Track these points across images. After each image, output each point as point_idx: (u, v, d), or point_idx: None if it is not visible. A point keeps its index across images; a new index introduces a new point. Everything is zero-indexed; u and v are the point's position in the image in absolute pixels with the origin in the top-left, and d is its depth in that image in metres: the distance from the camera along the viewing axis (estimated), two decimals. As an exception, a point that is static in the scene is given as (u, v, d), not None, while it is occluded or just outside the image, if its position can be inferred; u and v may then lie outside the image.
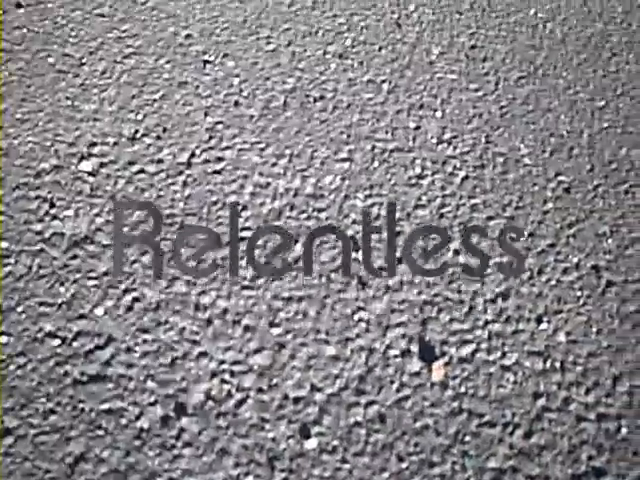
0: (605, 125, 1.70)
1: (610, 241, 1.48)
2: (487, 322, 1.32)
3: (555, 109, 1.71)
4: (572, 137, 1.66)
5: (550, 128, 1.67)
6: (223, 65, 1.68)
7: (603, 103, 1.74)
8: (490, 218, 1.48)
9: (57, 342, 1.21)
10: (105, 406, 1.14)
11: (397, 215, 1.46)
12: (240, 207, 1.43)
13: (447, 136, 1.60)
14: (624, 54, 1.88)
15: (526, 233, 1.46)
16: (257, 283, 1.32)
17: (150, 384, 1.17)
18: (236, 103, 1.60)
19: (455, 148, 1.59)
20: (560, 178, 1.57)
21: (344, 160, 1.53)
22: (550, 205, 1.52)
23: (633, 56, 1.87)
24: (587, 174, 1.59)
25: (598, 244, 1.47)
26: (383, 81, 1.69)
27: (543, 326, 1.33)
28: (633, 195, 1.58)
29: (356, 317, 1.29)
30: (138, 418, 1.13)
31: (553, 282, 1.40)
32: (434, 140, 1.59)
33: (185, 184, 1.46)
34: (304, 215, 1.43)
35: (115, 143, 1.52)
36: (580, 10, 1.98)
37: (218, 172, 1.48)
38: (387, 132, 1.59)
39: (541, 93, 1.74)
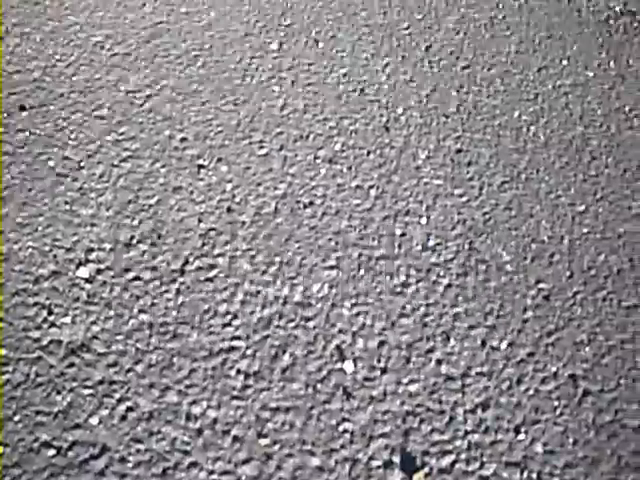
0: (585, 230, 1.82)
1: (587, 349, 1.59)
2: (467, 432, 1.42)
3: (537, 214, 1.83)
4: (553, 243, 1.78)
5: (531, 234, 1.79)
6: (217, 170, 1.81)
7: (583, 208, 1.87)
8: (471, 327, 1.59)
9: (52, 452, 1.31)
10: (99, 520, 1.23)
11: (382, 324, 1.57)
12: (230, 316, 1.53)
13: (431, 243, 1.72)
14: (603, 158, 2.01)
15: (506, 342, 1.57)
16: (246, 393, 1.42)
17: (142, 498, 1.27)
18: (229, 209, 1.72)
19: (439, 255, 1.70)
20: (540, 285, 1.69)
21: (332, 268, 1.64)
22: (530, 313, 1.63)
23: (612, 159, 2.01)
24: (566, 281, 1.71)
25: (576, 352, 1.58)
26: (371, 187, 1.82)
27: (521, 436, 1.43)
28: (610, 302, 1.69)
29: (341, 428, 1.39)
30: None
31: (531, 392, 1.50)
32: (419, 247, 1.71)
33: (178, 292, 1.56)
34: (292, 324, 1.54)
35: (111, 249, 1.63)
36: (562, 113, 2.12)
37: (210, 280, 1.59)
38: (374, 239, 1.71)
39: (524, 198, 1.86)
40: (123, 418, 1.36)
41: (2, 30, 2.14)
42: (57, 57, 2.08)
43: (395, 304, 1.60)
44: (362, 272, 1.65)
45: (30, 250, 1.61)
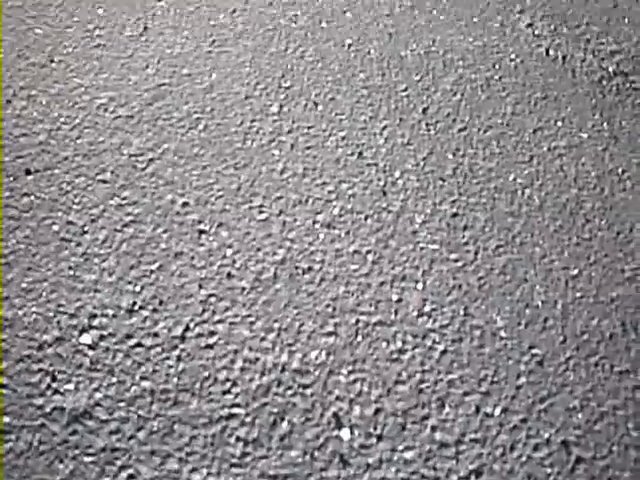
0: (578, 295, 1.88)
1: (580, 415, 1.65)
2: (461, 501, 1.47)
3: (531, 279, 1.90)
4: (546, 308, 1.84)
5: (525, 299, 1.85)
6: (217, 235, 1.88)
7: (576, 272, 1.93)
8: (466, 393, 1.64)
9: (56, 521, 1.36)
10: None
11: (378, 391, 1.62)
12: (230, 383, 1.59)
13: (427, 309, 1.78)
14: (597, 220, 2.08)
15: (499, 408, 1.63)
16: (245, 461, 1.47)
17: None
18: (229, 275, 1.79)
19: (435, 321, 1.76)
20: (534, 351, 1.75)
21: (329, 334, 1.70)
22: (523, 379, 1.69)
23: (605, 222, 2.07)
24: (560, 346, 1.77)
25: (568, 419, 1.64)
26: (368, 252, 1.88)
27: (514, 505, 1.48)
28: (603, 367, 1.75)
29: (337, 497, 1.44)
30: None
31: (524, 458, 1.55)
32: (415, 313, 1.77)
33: (179, 359, 1.62)
34: (290, 391, 1.60)
35: (114, 315, 1.69)
36: (557, 175, 2.20)
37: (210, 346, 1.65)
38: (371, 305, 1.77)
39: (518, 262, 1.93)
40: (124, 486, 1.42)
41: (9, 93, 2.22)
42: (62, 120, 2.16)
43: (391, 371, 1.66)
44: (359, 338, 1.71)
45: (34, 316, 1.67)
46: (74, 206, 1.91)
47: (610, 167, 2.26)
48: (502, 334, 1.76)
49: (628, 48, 2.77)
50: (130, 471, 1.44)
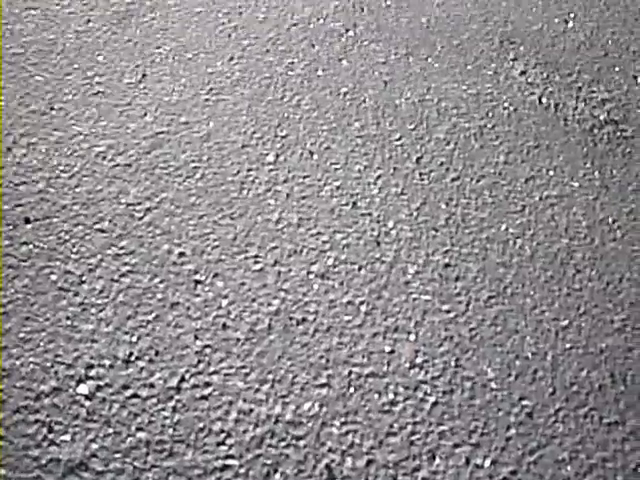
0: (568, 346, 1.93)
1: (569, 468, 1.69)
2: None
3: (521, 330, 1.95)
4: (536, 359, 1.89)
5: (516, 350, 1.90)
6: (213, 285, 1.93)
7: (566, 322, 1.98)
8: (456, 445, 1.69)
9: None
10: None
11: (370, 443, 1.67)
12: (224, 434, 1.64)
13: (419, 360, 1.83)
14: (587, 270, 2.13)
15: (489, 460, 1.67)
16: (238, 513, 1.52)
17: None
18: (224, 326, 1.84)
19: (426, 372, 1.81)
20: (524, 402, 1.79)
21: (322, 386, 1.75)
22: (513, 431, 1.74)
23: (595, 272, 2.13)
24: (549, 397, 1.82)
25: (557, 471, 1.68)
26: (361, 302, 1.94)
27: None
28: (592, 419, 1.79)
29: None
30: None
31: (514, 512, 1.60)
32: (407, 364, 1.82)
33: (174, 409, 1.67)
34: (284, 443, 1.64)
35: (111, 366, 1.74)
36: (548, 225, 2.26)
37: (205, 398, 1.70)
38: (363, 356, 1.82)
39: (509, 313, 1.98)
40: (119, 538, 1.45)
41: (10, 141, 2.28)
42: (61, 168, 2.22)
43: (383, 422, 1.70)
44: (352, 390, 1.75)
45: (32, 366, 1.72)
46: (72, 255, 1.97)
47: (601, 216, 2.32)
48: (492, 385, 1.81)
49: (618, 96, 2.85)
50: (125, 523, 1.48)
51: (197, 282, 1.93)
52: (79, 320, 1.82)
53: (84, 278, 1.91)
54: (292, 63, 2.76)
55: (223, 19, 2.93)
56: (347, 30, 2.96)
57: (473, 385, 1.81)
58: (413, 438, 1.68)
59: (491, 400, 1.78)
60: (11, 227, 2.02)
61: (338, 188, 2.26)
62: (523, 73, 2.90)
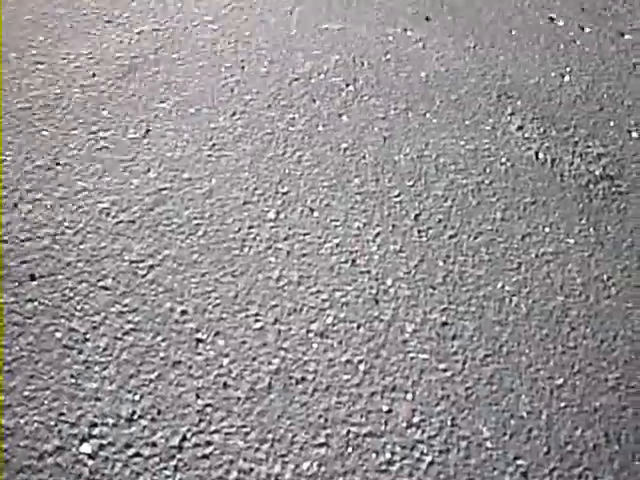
0: (562, 405, 1.99)
1: (563, 528, 1.74)
2: None
3: (517, 389, 2.01)
4: (531, 418, 1.94)
5: (511, 409, 1.96)
6: (214, 344, 1.99)
7: (561, 381, 2.04)
8: (452, 506, 1.74)
9: None
10: None
11: (367, 503, 1.72)
12: (225, 494, 1.69)
13: (416, 419, 1.89)
14: (582, 328, 2.20)
15: (485, 521, 1.72)
16: None
17: None
18: (225, 385, 1.90)
19: (423, 432, 1.87)
20: (518, 462, 1.85)
21: (321, 445, 1.81)
22: (508, 491, 1.79)
23: (590, 330, 2.19)
24: (544, 457, 1.87)
25: (552, 532, 1.73)
26: (360, 361, 2.00)
27: None
28: (586, 478, 1.85)
29: None
30: None
31: None
32: (404, 424, 1.87)
33: (176, 469, 1.72)
34: (283, 503, 1.69)
35: (114, 424, 1.79)
36: (543, 282, 2.32)
37: (206, 457, 1.76)
38: (361, 416, 1.88)
39: (504, 372, 2.04)
40: None
41: (16, 196, 2.36)
42: (66, 224, 2.29)
43: (380, 483, 1.76)
44: (350, 450, 1.81)
45: (36, 425, 1.78)
46: (76, 313, 2.03)
47: (596, 273, 2.39)
48: (488, 445, 1.87)
49: (614, 151, 2.93)
50: None
51: (199, 340, 2.00)
52: (83, 378, 1.88)
53: (88, 336, 1.98)
54: (293, 118, 2.85)
55: (225, 73, 3.02)
56: (347, 85, 3.05)
57: (469, 444, 1.86)
58: (410, 498, 1.74)
59: (486, 459, 1.84)
60: (17, 284, 2.09)
61: (337, 245, 2.33)
62: (520, 128, 2.99)
